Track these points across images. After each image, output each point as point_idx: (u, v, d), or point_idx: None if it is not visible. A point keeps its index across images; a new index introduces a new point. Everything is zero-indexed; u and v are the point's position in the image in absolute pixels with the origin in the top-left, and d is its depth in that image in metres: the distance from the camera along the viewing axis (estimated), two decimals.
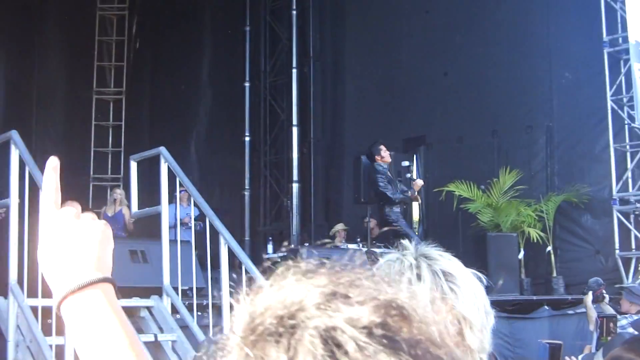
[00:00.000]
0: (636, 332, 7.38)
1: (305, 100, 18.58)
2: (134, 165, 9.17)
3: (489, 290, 2.11)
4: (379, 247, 13.37)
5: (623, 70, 14.03)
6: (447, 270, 1.98)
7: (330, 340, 0.92)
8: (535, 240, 14.14)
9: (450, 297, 1.93)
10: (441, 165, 14.51)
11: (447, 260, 2.02)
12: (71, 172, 18.65)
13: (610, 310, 10.27)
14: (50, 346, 6.92)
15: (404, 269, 1.98)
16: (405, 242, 2.07)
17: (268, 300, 0.99)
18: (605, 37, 14.04)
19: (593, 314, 10.16)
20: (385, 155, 13.18)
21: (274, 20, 19.17)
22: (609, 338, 7.34)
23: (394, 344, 0.93)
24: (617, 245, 13.77)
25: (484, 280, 2.05)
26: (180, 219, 11.32)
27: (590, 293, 10.61)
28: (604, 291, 10.79)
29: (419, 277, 1.95)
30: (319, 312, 0.95)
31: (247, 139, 19.38)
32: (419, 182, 13.45)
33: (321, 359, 0.91)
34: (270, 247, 15.37)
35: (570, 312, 12.06)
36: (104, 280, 1.40)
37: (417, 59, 17.06)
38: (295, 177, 18.26)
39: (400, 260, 2.01)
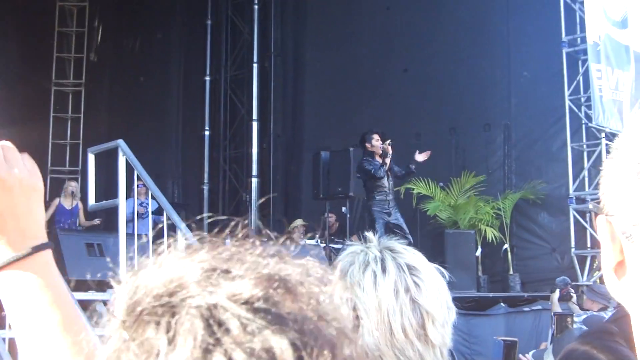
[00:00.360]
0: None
1: (265, 95, 18.55)
2: (91, 158, 9.08)
3: (448, 286, 2.12)
4: (338, 242, 13.39)
5: (581, 70, 14.17)
6: (411, 264, 1.98)
7: (211, 319, 0.89)
8: (491, 241, 14.24)
9: (414, 291, 1.94)
10: (399, 162, 14.49)
11: (411, 254, 2.02)
12: None
13: (577, 309, 10.35)
14: (4, 339, 6.84)
15: (368, 261, 1.98)
16: (369, 234, 2.07)
17: (147, 280, 0.94)
18: (564, 37, 14.16)
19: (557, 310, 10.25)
20: (375, 145, 13.03)
21: (235, 14, 19.11)
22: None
23: (279, 319, 0.90)
24: (572, 244, 13.90)
25: (446, 276, 2.06)
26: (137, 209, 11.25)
27: (557, 291, 10.69)
28: (571, 290, 10.87)
29: (383, 269, 1.95)
30: (199, 289, 0.91)
31: (206, 133, 19.31)
32: (386, 145, 13.12)
33: (202, 340, 0.87)
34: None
35: (526, 309, 12.16)
36: (36, 250, 1.32)
37: (377, 55, 17.09)
38: (254, 172, 18.23)
39: (364, 252, 2.01)
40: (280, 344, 0.88)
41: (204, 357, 0.87)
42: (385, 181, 12.94)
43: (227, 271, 0.94)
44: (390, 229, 12.81)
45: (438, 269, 2.04)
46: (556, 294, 10.66)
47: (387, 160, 12.83)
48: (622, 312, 1.29)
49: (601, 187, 1.26)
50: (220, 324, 0.89)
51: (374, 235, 2.08)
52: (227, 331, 0.88)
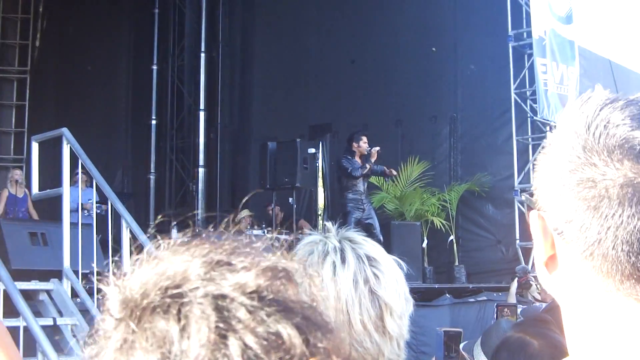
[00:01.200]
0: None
1: (213, 85, 18.46)
2: (35, 146, 8.99)
3: None
4: (285, 233, 13.40)
5: (527, 64, 14.31)
6: (370, 255, 1.98)
7: (220, 308, 0.93)
8: (439, 228, 14.36)
9: (374, 282, 1.94)
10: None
11: (370, 246, 2.02)
12: None
13: (538, 297, 10.44)
14: None
15: (327, 251, 1.98)
16: (328, 224, 2.07)
17: (147, 275, 0.98)
18: (510, 32, 14.31)
19: (512, 300, 10.34)
20: (362, 146, 13.32)
21: (183, 3, 18.95)
22: None
23: (284, 306, 0.95)
24: (517, 236, 14.05)
25: (404, 268, 2.06)
26: (82, 204, 11.13)
27: (515, 280, 10.79)
28: (530, 278, 10.97)
29: (343, 260, 1.95)
30: (204, 282, 0.95)
31: (153, 122, 19.16)
32: (374, 150, 13.38)
33: (215, 326, 0.91)
34: (174, 232, 15.22)
35: (471, 300, 12.29)
36: None
37: (325, 46, 17.12)
38: (201, 161, 18.14)
39: (323, 242, 2.01)
40: (288, 329, 0.94)
41: (220, 341, 0.91)
42: (360, 182, 13.29)
43: (229, 263, 0.98)
44: (362, 226, 12.98)
45: (396, 260, 2.05)
46: (515, 284, 10.76)
47: (368, 165, 13.07)
48: (556, 303, 1.32)
49: (534, 182, 1.29)
50: (228, 311, 0.93)
51: (333, 226, 2.08)
52: (237, 318, 0.93)
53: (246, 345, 0.91)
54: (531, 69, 14.10)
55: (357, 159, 13.28)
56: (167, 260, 0.99)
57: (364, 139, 13.37)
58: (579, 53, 14.56)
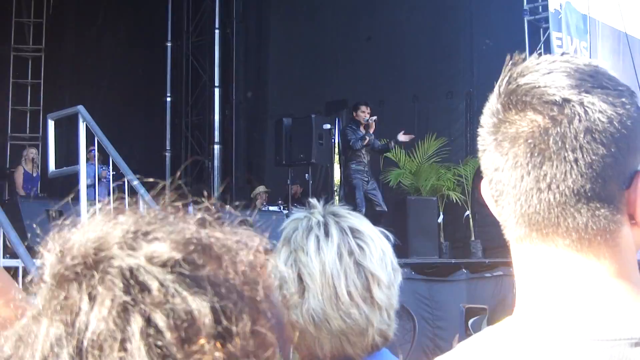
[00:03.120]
0: None
1: (227, 61, 18.42)
2: (51, 124, 9.01)
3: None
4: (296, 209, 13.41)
5: (542, 39, 14.21)
6: (355, 227, 2.00)
7: (132, 280, 0.90)
8: (455, 202, 14.34)
9: (358, 253, 1.95)
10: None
11: (355, 218, 2.04)
12: None
13: None
14: None
15: (311, 226, 1.99)
16: (313, 200, 2.09)
17: (73, 240, 0.95)
18: (525, 5, 14.18)
19: None
20: (360, 115, 13.43)
21: None
22: None
23: (197, 282, 0.91)
24: None
25: (392, 239, 2.07)
26: (98, 174, 11.16)
27: None
28: None
29: (327, 234, 1.97)
30: (119, 251, 0.92)
31: (168, 99, 19.17)
32: (371, 121, 13.42)
33: (120, 299, 0.89)
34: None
35: (488, 275, 12.26)
36: None
37: (340, 22, 17.04)
38: (216, 138, 18.15)
39: (307, 217, 2.02)
40: (199, 306, 0.89)
41: (121, 316, 0.88)
42: (363, 153, 13.35)
43: (147, 233, 0.95)
44: (368, 199, 13.03)
45: (383, 232, 2.06)
46: None
47: (367, 137, 13.22)
48: None
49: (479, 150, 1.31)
50: (139, 284, 0.90)
51: (357, 208, 2.09)
52: (147, 292, 0.89)
53: (149, 321, 0.88)
54: (547, 43, 13.98)
55: (362, 129, 13.32)
56: (94, 226, 0.97)
57: (362, 107, 13.41)
58: (595, 26, 14.44)
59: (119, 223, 0.96)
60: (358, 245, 1.97)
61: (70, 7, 19.70)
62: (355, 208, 12.04)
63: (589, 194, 1.17)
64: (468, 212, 14.46)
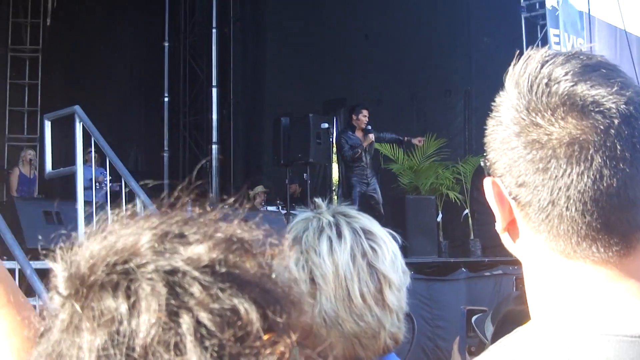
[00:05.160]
0: None
1: (225, 61, 18.41)
2: (48, 125, 8.99)
3: (407, 251, 2.12)
4: (299, 209, 13.42)
5: (540, 36, 14.20)
6: (367, 229, 1.98)
7: (173, 284, 0.89)
8: (454, 201, 14.33)
9: (371, 255, 1.93)
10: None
11: (365, 219, 2.02)
12: None
13: None
14: None
15: (322, 226, 1.96)
16: (318, 200, 2.06)
17: (94, 250, 0.93)
18: (522, 2, 14.20)
19: None
20: (362, 119, 13.44)
21: None
22: None
23: (240, 280, 0.91)
24: None
25: (399, 240, 2.05)
26: (95, 177, 11.15)
27: None
28: None
29: (339, 235, 1.94)
30: (154, 256, 0.91)
31: (166, 99, 19.15)
32: (370, 137, 13.46)
33: (166, 302, 0.88)
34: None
35: (487, 273, 12.25)
36: None
37: (338, 21, 17.03)
38: (214, 138, 18.13)
39: (317, 218, 2.00)
40: (244, 304, 0.90)
41: (171, 319, 0.87)
42: (363, 157, 13.38)
43: (181, 235, 0.94)
44: (366, 199, 13.02)
45: (391, 233, 2.04)
46: None
47: (359, 150, 13.27)
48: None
49: (486, 148, 1.27)
50: (182, 287, 0.89)
51: (329, 201, 2.07)
52: (190, 294, 0.88)
53: (199, 322, 0.88)
54: (544, 40, 13.99)
55: (358, 133, 13.32)
56: (116, 233, 0.95)
57: (364, 112, 13.43)
58: (592, 23, 14.45)
59: (145, 227, 0.95)
60: (371, 247, 1.95)
61: (68, 8, 19.67)
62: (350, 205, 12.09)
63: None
64: (467, 211, 14.45)
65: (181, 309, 0.88)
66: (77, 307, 0.91)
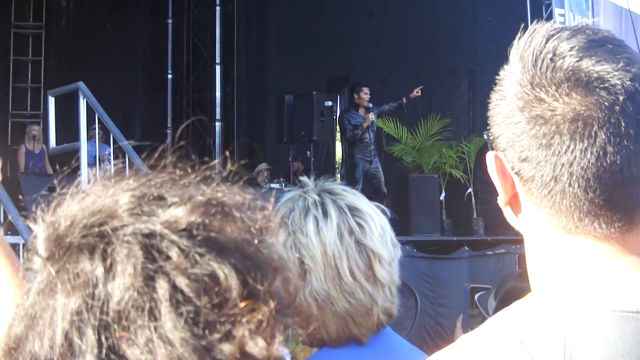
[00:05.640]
0: None
1: (229, 38, 18.35)
2: (51, 101, 9.00)
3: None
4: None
5: (545, 15, 14.15)
6: (353, 205, 1.96)
7: (151, 247, 0.87)
8: (457, 180, 14.32)
9: (358, 232, 1.92)
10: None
11: (351, 195, 2.00)
12: None
13: None
14: None
15: (308, 206, 1.95)
16: (304, 178, 2.05)
17: (72, 211, 0.92)
18: None
19: None
20: (363, 97, 13.37)
21: None
22: None
23: (219, 244, 0.90)
24: None
25: (388, 213, 2.04)
26: (100, 155, 11.14)
27: None
28: None
29: (325, 214, 1.93)
30: (132, 218, 0.89)
31: (169, 76, 19.11)
32: (369, 117, 13.41)
33: (142, 266, 0.86)
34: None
35: (489, 252, 12.24)
36: None
37: None
38: (218, 115, 18.10)
39: (302, 197, 1.99)
40: (223, 269, 0.88)
41: (146, 283, 0.86)
42: (366, 134, 13.30)
43: (160, 197, 0.92)
44: (368, 177, 13.01)
45: (380, 207, 2.03)
46: None
47: (360, 131, 13.20)
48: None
49: (489, 122, 1.27)
50: (159, 251, 0.87)
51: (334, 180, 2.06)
52: (168, 258, 0.87)
53: (175, 287, 0.86)
54: (549, 19, 13.93)
55: (361, 111, 13.28)
56: (94, 194, 0.93)
57: (365, 89, 13.36)
58: (598, 3, 14.39)
59: (123, 190, 0.93)
60: (358, 223, 1.94)
61: None
62: (354, 185, 12.10)
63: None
64: (470, 190, 14.44)
65: (157, 274, 0.86)
66: (52, 270, 0.89)
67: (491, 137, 1.26)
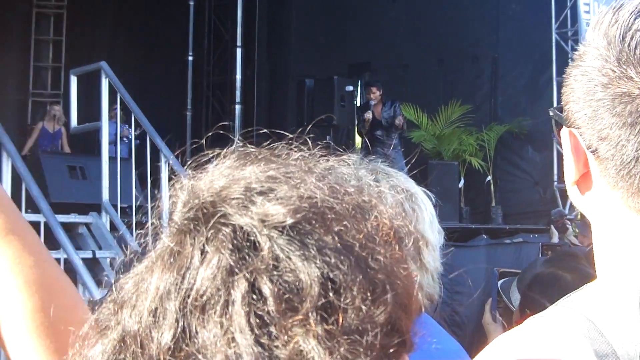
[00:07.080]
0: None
1: (250, 21, 18.32)
2: (74, 80, 9.02)
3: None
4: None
5: (569, 4, 14.07)
6: (407, 189, 1.93)
7: (242, 241, 0.86)
8: (476, 168, 14.28)
9: (411, 215, 1.89)
10: (385, 92, 14.48)
11: (402, 177, 1.98)
12: (10, 87, 18.28)
13: (575, 241, 10.39)
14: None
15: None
16: (354, 155, 2.02)
17: (198, 188, 0.93)
18: None
19: (556, 240, 10.30)
20: (370, 96, 13.71)
21: None
22: None
23: (308, 247, 0.86)
24: (555, 178, 13.95)
25: (433, 199, 2.02)
26: (120, 132, 11.17)
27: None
28: (567, 222, 10.87)
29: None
30: (236, 208, 0.88)
31: (190, 58, 19.10)
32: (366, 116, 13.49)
33: (226, 261, 0.86)
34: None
35: (507, 241, 12.21)
36: None
37: None
38: (238, 98, 18.09)
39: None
40: (308, 275, 0.85)
41: (226, 278, 0.85)
42: (379, 131, 13.62)
43: (270, 190, 0.90)
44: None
45: (426, 192, 2.00)
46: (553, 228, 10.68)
47: (363, 130, 13.63)
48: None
49: (564, 98, 1.23)
50: (248, 247, 0.86)
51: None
52: (255, 256, 0.86)
53: (254, 287, 0.84)
54: (573, 8, 13.87)
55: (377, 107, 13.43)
56: (219, 174, 0.94)
57: (372, 89, 13.63)
58: None
59: (241, 178, 0.92)
60: (412, 208, 1.92)
61: None
62: None
63: None
64: (489, 178, 14.41)
65: (240, 270, 0.85)
66: (168, 242, 0.91)
67: (565, 113, 1.23)
